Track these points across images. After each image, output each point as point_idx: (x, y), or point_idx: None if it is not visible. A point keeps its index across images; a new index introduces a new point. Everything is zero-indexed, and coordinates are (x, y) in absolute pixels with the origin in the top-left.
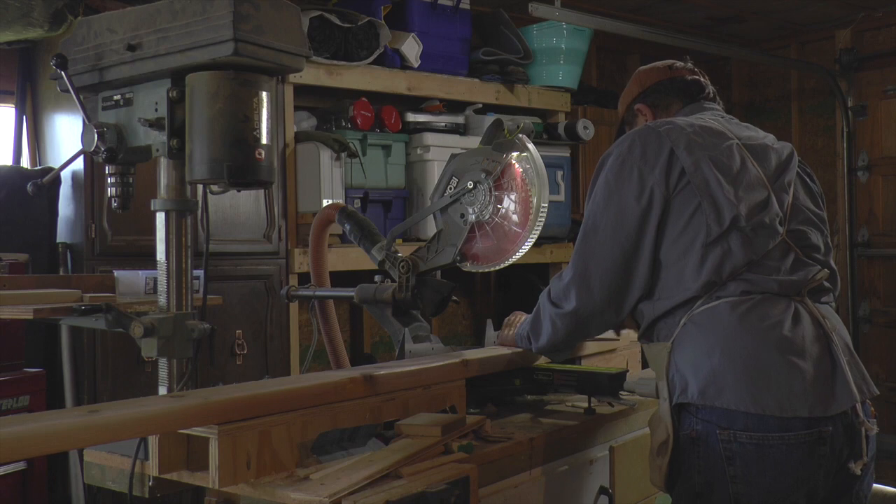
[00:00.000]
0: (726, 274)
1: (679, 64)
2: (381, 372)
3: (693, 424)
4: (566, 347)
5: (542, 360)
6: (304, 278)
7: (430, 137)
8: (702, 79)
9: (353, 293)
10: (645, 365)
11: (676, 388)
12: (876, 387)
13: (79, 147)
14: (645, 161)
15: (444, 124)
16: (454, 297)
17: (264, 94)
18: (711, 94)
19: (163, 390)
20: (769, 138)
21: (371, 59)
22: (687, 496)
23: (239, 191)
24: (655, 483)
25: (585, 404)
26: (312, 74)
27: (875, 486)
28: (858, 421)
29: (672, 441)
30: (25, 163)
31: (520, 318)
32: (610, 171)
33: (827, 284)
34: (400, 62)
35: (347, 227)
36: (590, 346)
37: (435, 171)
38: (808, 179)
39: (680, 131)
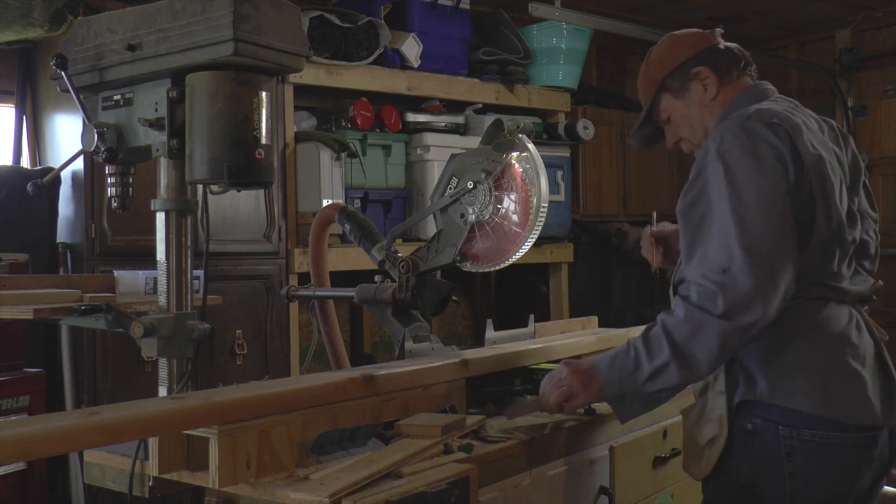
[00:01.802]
0: (815, 286)
1: (714, 31)
2: (381, 372)
3: (751, 418)
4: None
5: (542, 361)
6: (304, 278)
7: (430, 137)
8: (740, 47)
9: (353, 293)
10: None
11: (740, 383)
12: None
13: (79, 147)
14: (777, 150)
15: (444, 124)
16: (454, 297)
17: (264, 94)
18: (755, 67)
19: (163, 390)
20: (834, 133)
21: (371, 59)
22: (730, 488)
23: (239, 191)
24: (695, 473)
25: None
26: (312, 74)
27: None
28: None
29: (724, 434)
30: (25, 163)
31: (576, 372)
32: (746, 167)
33: (873, 295)
34: (400, 62)
35: (347, 227)
36: (592, 345)
37: (435, 171)
38: (865, 176)
39: (794, 123)
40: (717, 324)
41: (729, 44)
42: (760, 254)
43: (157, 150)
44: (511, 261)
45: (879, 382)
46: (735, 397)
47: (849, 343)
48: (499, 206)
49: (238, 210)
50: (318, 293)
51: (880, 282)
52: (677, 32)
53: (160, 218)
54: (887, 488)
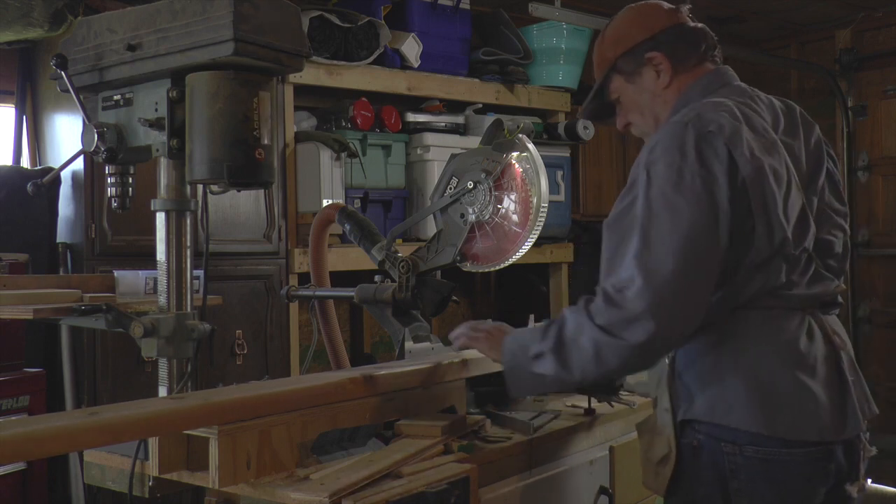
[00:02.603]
0: (760, 296)
1: (680, 7)
2: (381, 372)
3: (696, 435)
4: (601, 382)
5: None
6: (304, 278)
7: (430, 137)
8: (707, 28)
9: (353, 293)
10: None
11: (681, 401)
12: (876, 386)
13: (79, 147)
14: (707, 169)
15: (444, 124)
16: (454, 297)
17: (264, 94)
18: (720, 51)
19: (163, 390)
20: (795, 123)
21: (371, 59)
22: None
23: (239, 191)
24: (652, 489)
25: (585, 404)
26: (312, 74)
27: (875, 486)
28: (860, 444)
29: (674, 452)
30: (25, 163)
31: (498, 328)
32: (666, 184)
33: (838, 297)
34: (400, 62)
35: (347, 227)
36: None
37: (435, 171)
38: (829, 163)
39: (733, 130)
40: (596, 334)
41: (695, 24)
42: (658, 279)
43: (157, 150)
44: (511, 261)
45: (832, 393)
46: (678, 415)
47: (796, 353)
48: (499, 206)
49: (238, 210)
50: (318, 293)
51: (842, 285)
52: (637, 5)
53: (160, 218)
54: (888, 488)
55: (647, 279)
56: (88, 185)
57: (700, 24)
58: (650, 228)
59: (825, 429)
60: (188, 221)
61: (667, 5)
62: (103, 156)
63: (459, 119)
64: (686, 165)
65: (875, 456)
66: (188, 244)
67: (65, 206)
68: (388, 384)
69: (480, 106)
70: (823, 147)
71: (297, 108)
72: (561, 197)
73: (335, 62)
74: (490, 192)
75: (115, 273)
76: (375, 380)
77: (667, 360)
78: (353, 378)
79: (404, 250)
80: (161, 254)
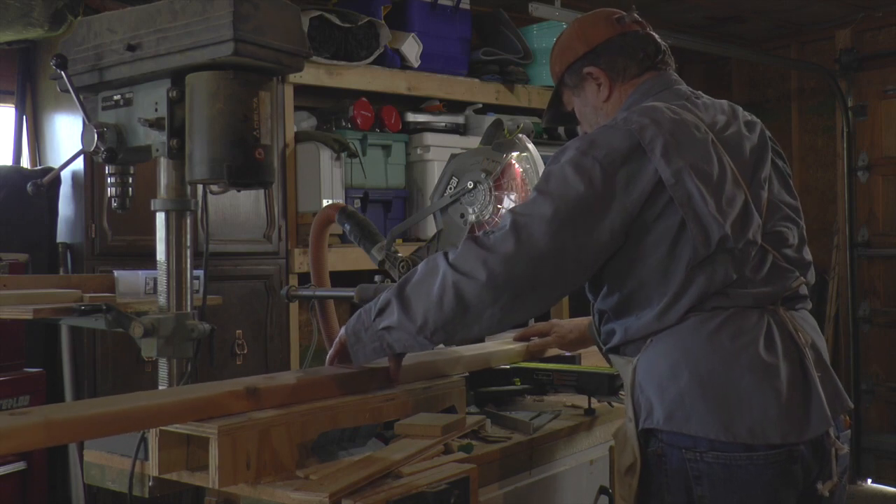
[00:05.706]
0: (708, 296)
1: (625, 15)
2: (265, 385)
3: (658, 443)
4: (439, 334)
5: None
6: (304, 278)
7: (430, 137)
8: (653, 34)
9: (353, 293)
10: None
11: (642, 411)
12: (876, 387)
13: (79, 147)
14: (611, 161)
15: (444, 124)
16: None
17: (264, 94)
18: (669, 54)
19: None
20: (737, 121)
21: (371, 59)
22: None
23: (239, 191)
24: (624, 498)
25: (585, 404)
26: (312, 74)
27: (875, 486)
28: (829, 441)
29: (640, 462)
30: (25, 163)
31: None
32: (567, 164)
33: (803, 291)
34: (400, 62)
35: (347, 227)
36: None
37: (435, 171)
38: (778, 160)
39: (655, 132)
40: (445, 271)
41: (641, 31)
42: (525, 229)
43: (157, 150)
44: None
45: (794, 393)
46: (639, 424)
47: (754, 354)
48: (499, 206)
49: (238, 210)
50: (318, 293)
51: (803, 278)
52: (582, 17)
53: (160, 218)
54: (888, 488)
55: (514, 225)
56: (88, 185)
57: (645, 31)
58: (536, 193)
59: (787, 430)
60: (188, 221)
61: (612, 14)
62: (103, 156)
63: (459, 119)
64: (594, 154)
65: (875, 456)
66: (188, 244)
67: (65, 206)
68: (274, 398)
69: (480, 106)
70: (768, 143)
71: (297, 108)
72: None
73: (335, 62)
74: (490, 192)
75: (115, 273)
76: (260, 393)
77: (631, 367)
78: (235, 391)
79: (404, 250)
80: (161, 254)
